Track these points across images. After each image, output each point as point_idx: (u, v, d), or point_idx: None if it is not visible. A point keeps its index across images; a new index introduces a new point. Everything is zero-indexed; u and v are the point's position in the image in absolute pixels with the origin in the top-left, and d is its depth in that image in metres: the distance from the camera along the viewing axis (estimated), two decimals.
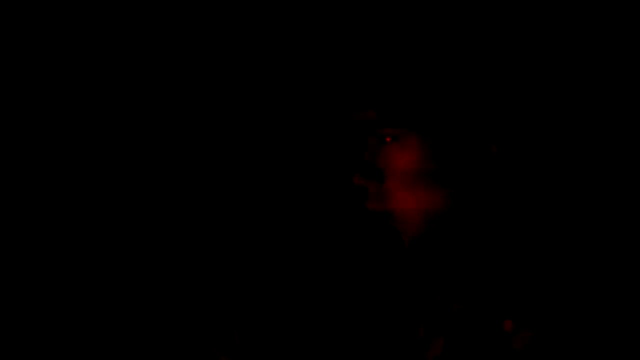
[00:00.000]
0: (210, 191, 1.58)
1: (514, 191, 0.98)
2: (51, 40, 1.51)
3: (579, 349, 0.91)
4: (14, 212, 1.52)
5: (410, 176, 0.97)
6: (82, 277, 1.53)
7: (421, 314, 1.11)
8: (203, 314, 1.49)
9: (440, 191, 0.96)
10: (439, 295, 1.09)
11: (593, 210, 1.02)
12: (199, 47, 1.55)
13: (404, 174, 0.97)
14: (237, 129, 1.58)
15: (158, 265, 1.55)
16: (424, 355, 1.07)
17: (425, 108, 0.95)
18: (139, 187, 1.56)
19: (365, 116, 0.99)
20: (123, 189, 1.55)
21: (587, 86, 1.04)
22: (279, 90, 1.57)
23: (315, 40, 1.52)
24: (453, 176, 0.96)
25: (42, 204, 1.53)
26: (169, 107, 1.57)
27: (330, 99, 1.54)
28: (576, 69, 1.03)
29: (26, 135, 1.52)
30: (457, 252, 1.07)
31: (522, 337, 0.95)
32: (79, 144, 1.54)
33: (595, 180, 1.04)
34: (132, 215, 1.55)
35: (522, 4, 1.01)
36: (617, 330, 0.90)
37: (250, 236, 1.57)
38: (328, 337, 1.20)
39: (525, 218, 0.99)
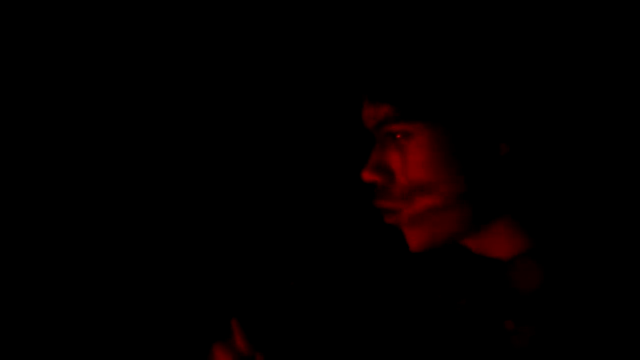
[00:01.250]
0: (211, 191, 1.58)
1: (522, 189, 0.98)
2: (51, 40, 1.51)
3: (579, 348, 0.91)
4: (13, 212, 1.52)
5: (420, 173, 0.96)
6: (81, 277, 1.54)
7: (423, 312, 1.11)
8: (203, 314, 1.49)
9: (449, 189, 0.96)
10: (441, 294, 1.09)
11: (599, 208, 1.01)
12: (198, 47, 1.56)
13: (414, 171, 0.97)
14: (243, 123, 1.58)
15: (157, 265, 1.55)
16: (425, 354, 1.07)
17: (436, 104, 0.95)
18: (138, 187, 1.56)
19: (375, 112, 0.99)
20: (122, 189, 1.55)
21: (597, 88, 1.04)
22: (289, 84, 1.57)
23: (327, 32, 1.52)
24: (463, 173, 0.96)
25: (42, 204, 1.53)
26: (173, 107, 1.57)
27: (341, 94, 1.53)
28: (585, 69, 1.02)
29: (26, 135, 1.52)
30: (461, 252, 1.07)
31: (522, 336, 0.95)
32: (78, 144, 1.54)
33: (597, 180, 1.04)
34: (132, 215, 1.56)
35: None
36: (617, 330, 0.90)
37: (254, 234, 1.57)
38: (329, 336, 1.20)
39: (528, 218, 0.99)
